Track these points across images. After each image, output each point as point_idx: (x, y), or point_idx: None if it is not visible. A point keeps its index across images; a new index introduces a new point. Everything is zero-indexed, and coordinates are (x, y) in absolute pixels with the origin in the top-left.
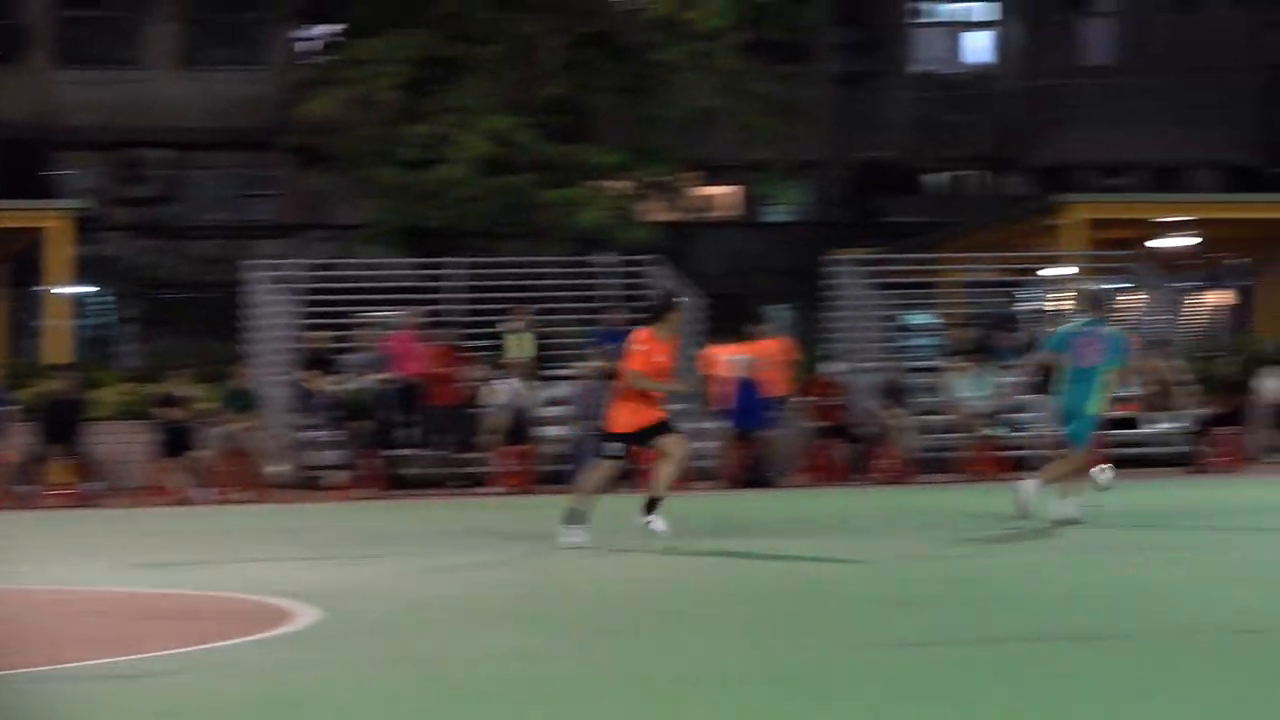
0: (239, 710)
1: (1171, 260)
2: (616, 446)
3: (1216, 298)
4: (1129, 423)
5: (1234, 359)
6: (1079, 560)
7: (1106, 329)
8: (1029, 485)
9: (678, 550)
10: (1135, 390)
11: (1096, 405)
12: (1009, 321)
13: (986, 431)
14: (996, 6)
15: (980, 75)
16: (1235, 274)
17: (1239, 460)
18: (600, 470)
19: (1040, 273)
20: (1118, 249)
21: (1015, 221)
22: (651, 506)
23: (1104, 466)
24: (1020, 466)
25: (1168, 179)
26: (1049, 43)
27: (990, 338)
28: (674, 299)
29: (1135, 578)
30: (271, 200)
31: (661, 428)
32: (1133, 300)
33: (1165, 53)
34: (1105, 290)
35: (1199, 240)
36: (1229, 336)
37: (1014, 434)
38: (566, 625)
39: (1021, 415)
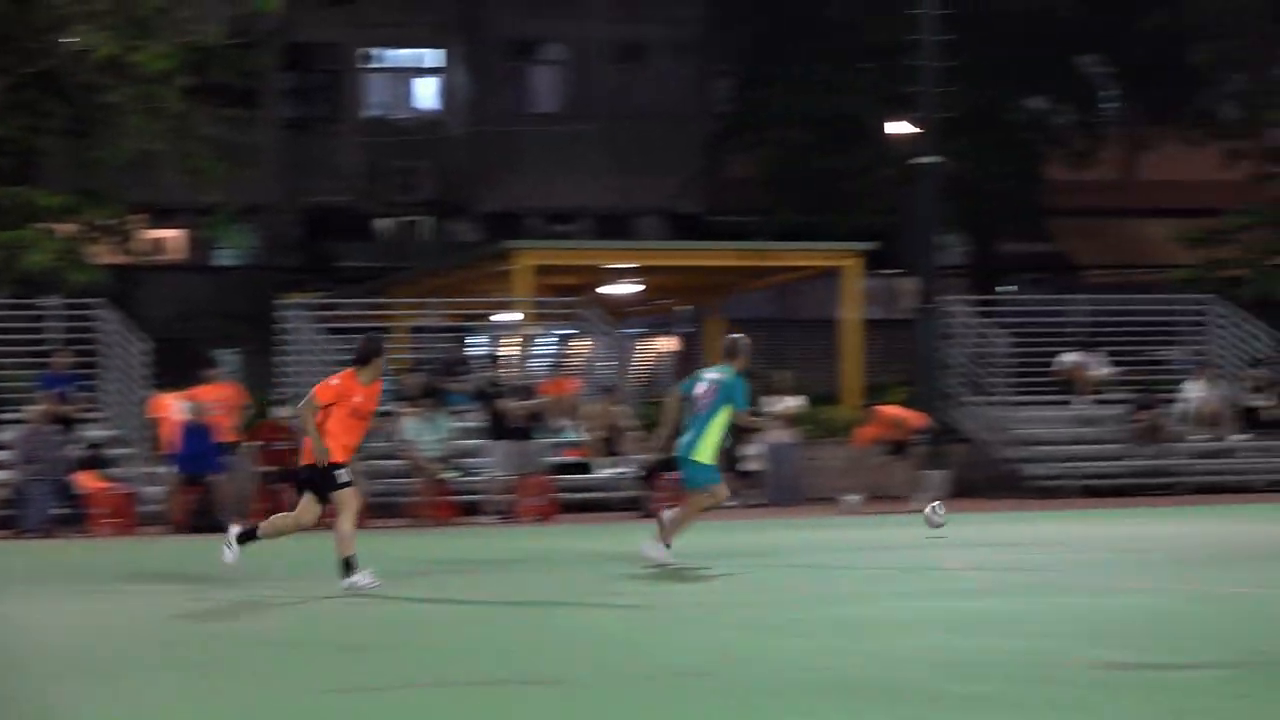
0: None
1: (619, 306)
2: (344, 472)
3: (663, 344)
4: (581, 468)
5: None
6: (536, 605)
7: (724, 375)
8: (653, 548)
9: (122, 593)
10: (584, 436)
11: (706, 452)
12: (459, 366)
13: (438, 476)
14: (444, 54)
15: (429, 121)
16: (681, 320)
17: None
18: (351, 503)
19: (492, 318)
20: (566, 295)
21: (465, 267)
22: (348, 567)
23: (936, 503)
24: (472, 511)
25: (615, 226)
26: (497, 90)
27: (440, 382)
28: (381, 344)
29: (590, 622)
30: None
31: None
32: (581, 346)
33: (612, 101)
34: (741, 340)
35: (645, 287)
36: (676, 382)
37: (465, 478)
38: (23, 670)
39: (472, 460)
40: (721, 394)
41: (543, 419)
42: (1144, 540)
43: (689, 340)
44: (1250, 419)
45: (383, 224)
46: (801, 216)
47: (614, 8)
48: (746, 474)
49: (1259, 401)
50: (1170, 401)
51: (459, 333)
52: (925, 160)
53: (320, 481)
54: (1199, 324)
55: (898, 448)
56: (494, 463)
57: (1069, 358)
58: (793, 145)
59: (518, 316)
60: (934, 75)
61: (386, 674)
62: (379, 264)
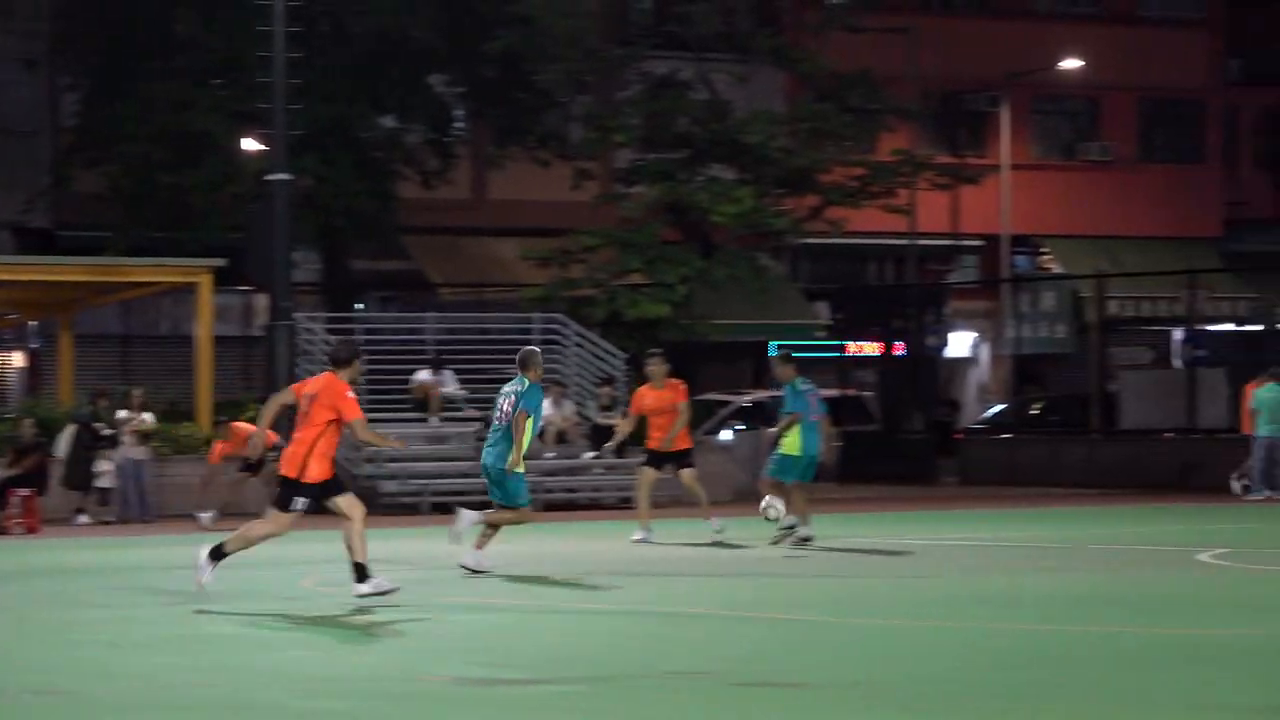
0: None
1: None
2: (304, 501)
3: (11, 359)
4: None
5: (30, 420)
6: None
7: (521, 387)
8: (470, 559)
9: None
10: None
11: (519, 463)
12: None
13: None
14: None
15: None
16: (30, 336)
17: (38, 522)
18: (280, 522)
19: None
20: None
21: None
22: (361, 574)
23: (773, 499)
24: None
25: None
26: None
27: None
28: (359, 349)
29: None
30: None
31: (336, 485)
32: None
33: None
34: (534, 351)
35: None
36: (25, 398)
37: None
38: None
39: None
40: (520, 404)
41: None
42: (500, 558)
43: (38, 356)
44: (601, 437)
45: None
46: (154, 232)
47: None
48: (100, 490)
49: (610, 419)
50: None
51: None
52: (275, 177)
53: (328, 492)
54: (551, 342)
55: (252, 465)
56: None
57: (421, 375)
58: (142, 161)
59: None
60: (283, 92)
61: None
62: None
